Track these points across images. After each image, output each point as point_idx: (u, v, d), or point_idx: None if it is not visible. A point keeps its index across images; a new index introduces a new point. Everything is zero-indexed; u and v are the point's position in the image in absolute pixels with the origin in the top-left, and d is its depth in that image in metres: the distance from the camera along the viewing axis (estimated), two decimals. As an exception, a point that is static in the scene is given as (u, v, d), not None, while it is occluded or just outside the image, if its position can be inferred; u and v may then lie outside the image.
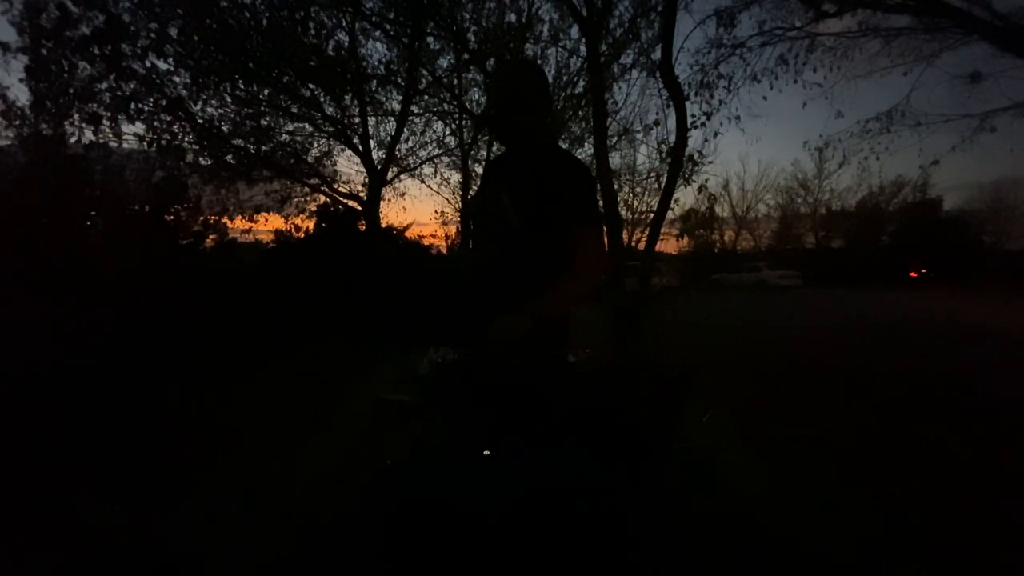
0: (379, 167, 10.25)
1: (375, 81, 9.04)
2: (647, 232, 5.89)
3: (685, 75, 9.15)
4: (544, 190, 1.37)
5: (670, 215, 6.94)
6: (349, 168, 37.02)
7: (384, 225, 9.64)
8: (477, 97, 9.99)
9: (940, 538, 2.01)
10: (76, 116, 6.74)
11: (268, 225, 10.42)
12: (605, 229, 1.59)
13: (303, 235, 8.34)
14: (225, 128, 8.54)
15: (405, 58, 8.42)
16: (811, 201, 33.41)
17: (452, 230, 13.94)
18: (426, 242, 10.43)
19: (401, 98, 9.59)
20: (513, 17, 7.92)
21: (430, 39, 8.34)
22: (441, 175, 12.61)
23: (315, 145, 10.32)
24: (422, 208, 65.35)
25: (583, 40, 6.35)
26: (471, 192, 11.59)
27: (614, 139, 9.79)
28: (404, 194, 15.48)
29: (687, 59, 29.22)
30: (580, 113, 8.94)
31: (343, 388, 3.73)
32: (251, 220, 10.12)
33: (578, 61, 8.08)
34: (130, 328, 4.46)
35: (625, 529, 1.23)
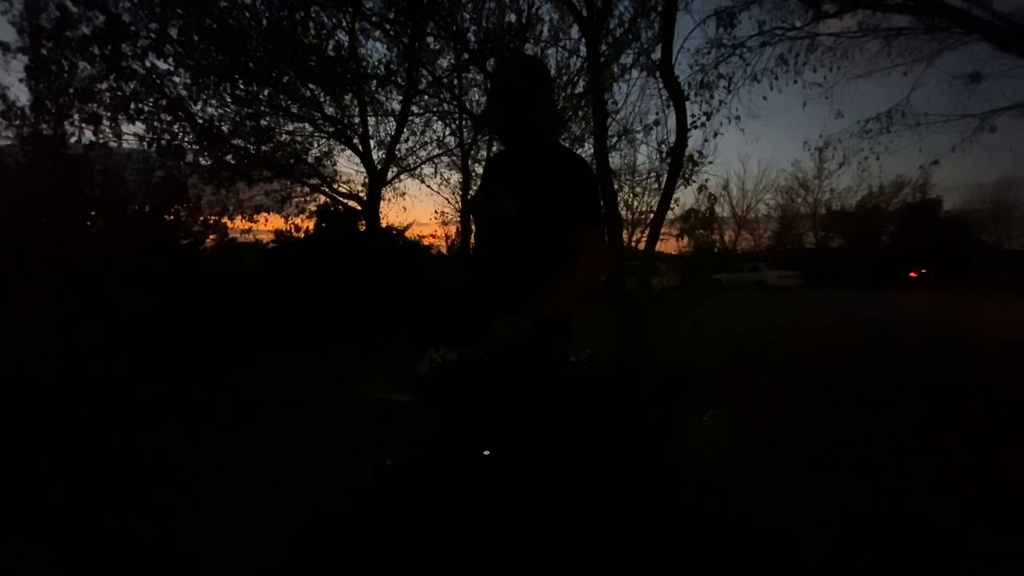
0: (379, 167, 10.25)
1: (375, 81, 9.04)
2: (647, 232, 5.88)
3: (685, 75, 9.17)
4: (546, 189, 1.36)
5: (670, 215, 6.93)
6: (349, 168, 37.02)
7: (384, 225, 9.65)
8: (477, 97, 10.00)
9: (940, 538, 2.01)
10: (76, 116, 6.74)
11: (268, 225, 10.44)
12: (607, 229, 1.58)
13: (303, 235, 8.34)
14: (225, 128, 8.54)
15: (405, 58, 8.41)
16: (811, 201, 33.43)
17: (452, 230, 13.96)
18: (426, 242, 10.46)
19: (401, 98, 9.60)
20: (513, 17, 7.92)
21: (430, 39, 8.33)
22: (441, 175, 12.63)
23: (315, 145, 10.34)
24: (422, 208, 65.38)
25: (583, 40, 6.34)
26: (471, 192, 11.59)
27: (614, 139, 9.80)
28: (404, 194, 15.48)
29: (687, 59, 29.22)
30: (580, 113, 8.95)
31: (343, 388, 3.73)
32: (251, 220, 10.13)
33: (578, 61, 8.09)
34: (130, 327, 4.45)
35: (625, 529, 1.23)
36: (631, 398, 1.35)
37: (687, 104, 5.72)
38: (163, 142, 7.65)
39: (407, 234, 9.20)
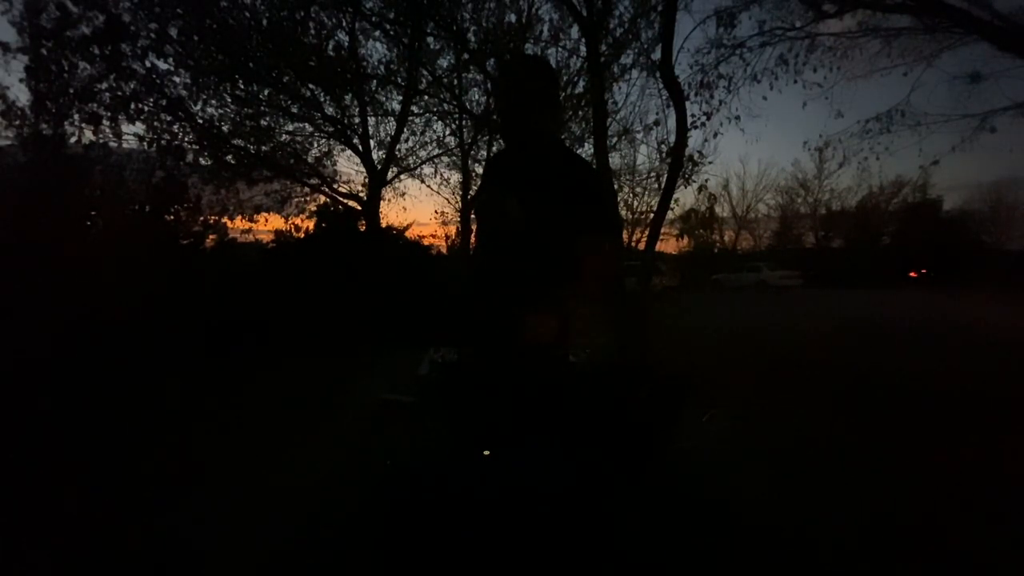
0: (379, 167, 10.25)
1: (375, 81, 9.04)
2: (647, 232, 5.88)
3: (685, 75, 9.16)
4: (552, 192, 1.36)
5: (670, 215, 6.93)
6: (349, 168, 37.03)
7: (384, 225, 9.65)
8: (477, 97, 10.00)
9: (940, 538, 2.01)
10: (76, 116, 6.74)
11: (268, 225, 10.43)
12: (612, 235, 1.58)
13: (303, 235, 8.34)
14: (225, 128, 8.54)
15: (405, 58, 8.42)
16: (811, 201, 33.44)
17: (452, 230, 13.95)
18: (426, 242, 10.45)
19: (401, 98, 9.60)
20: (513, 17, 7.92)
21: (430, 39, 8.33)
22: (441, 175, 12.63)
23: (315, 145, 10.34)
24: (422, 208, 65.32)
25: (583, 40, 6.34)
26: (471, 192, 11.59)
27: (614, 139, 9.80)
28: (404, 194, 15.49)
29: (687, 59, 29.24)
30: (580, 113, 8.95)
31: (343, 388, 3.73)
32: (251, 220, 10.13)
33: (578, 61, 8.08)
34: (130, 328, 4.46)
35: (625, 527, 1.23)
36: (631, 399, 1.35)
37: (687, 104, 5.72)
38: (163, 142, 7.66)
39: (407, 234, 9.20)
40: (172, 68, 7.19)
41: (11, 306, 4.05)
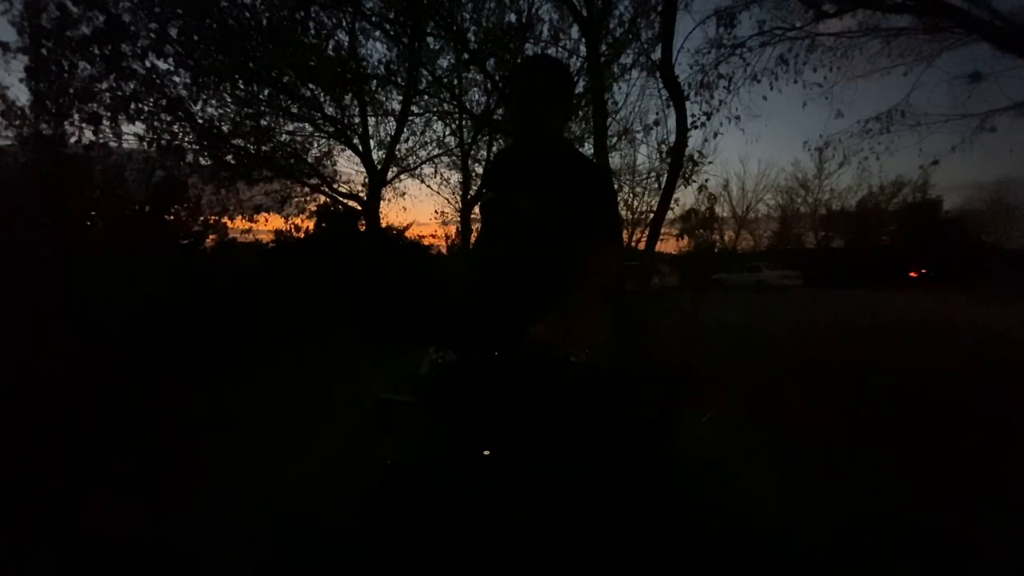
0: (379, 167, 10.24)
1: (375, 81, 9.03)
2: (647, 232, 5.89)
3: (685, 75, 9.19)
4: (561, 193, 1.36)
5: (670, 215, 6.94)
6: (349, 168, 37.01)
7: (384, 225, 9.64)
8: (477, 97, 10.00)
9: (940, 538, 2.01)
10: (76, 116, 6.73)
11: (268, 225, 10.41)
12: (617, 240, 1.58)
13: (303, 235, 8.33)
14: (225, 128, 8.53)
15: (405, 58, 8.41)
16: (811, 201, 33.43)
17: (452, 230, 13.92)
18: (426, 242, 10.42)
19: (401, 98, 9.60)
20: (513, 17, 7.92)
21: (430, 39, 8.33)
22: (441, 175, 12.62)
23: (315, 145, 10.33)
24: (422, 208, 65.32)
25: (583, 40, 6.35)
26: (471, 192, 11.58)
27: (614, 139, 9.80)
28: (404, 194, 15.46)
29: (687, 59, 29.23)
30: (580, 113, 8.94)
31: (343, 388, 3.73)
32: (251, 220, 10.10)
33: (578, 61, 8.08)
34: (130, 328, 4.45)
35: (625, 529, 1.23)
36: (631, 399, 1.35)
37: (687, 104, 5.73)
38: (163, 142, 7.65)
39: (407, 234, 9.19)
40: (172, 68, 7.18)
41: (11, 306, 4.05)
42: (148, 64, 7.00)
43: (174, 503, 2.22)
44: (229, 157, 8.84)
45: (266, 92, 8.37)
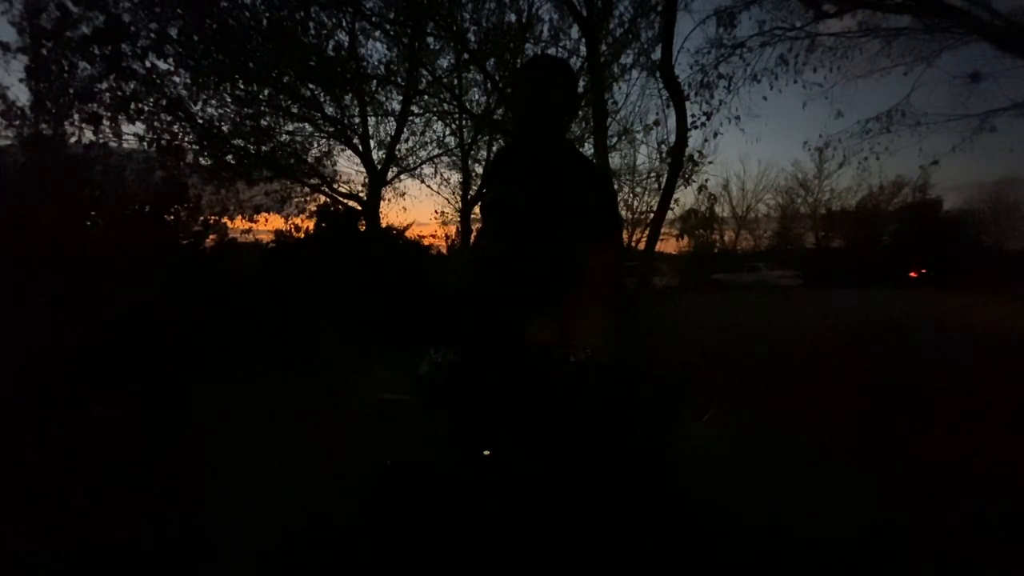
0: (379, 167, 10.24)
1: (375, 81, 9.03)
2: (647, 232, 5.89)
3: (685, 75, 9.15)
4: (562, 194, 1.36)
5: (670, 215, 6.94)
6: (349, 168, 36.96)
7: (384, 225, 9.65)
8: (477, 97, 9.99)
9: (940, 538, 2.01)
10: (76, 116, 6.73)
11: (268, 225, 10.41)
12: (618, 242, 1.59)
13: (303, 235, 8.34)
14: (225, 128, 8.53)
15: (405, 58, 8.41)
16: (811, 201, 33.42)
17: (452, 230, 13.92)
18: (426, 242, 10.42)
19: (401, 98, 9.59)
20: (513, 17, 7.92)
21: (430, 39, 8.33)
22: (441, 175, 12.60)
23: (315, 145, 10.31)
24: (422, 208, 65.38)
25: (583, 40, 6.35)
26: (471, 192, 11.58)
27: (614, 139, 9.79)
28: (404, 194, 15.44)
29: (687, 59, 29.19)
30: (580, 113, 8.94)
31: (344, 388, 3.72)
32: (251, 220, 10.11)
33: (578, 61, 8.08)
34: (130, 328, 4.45)
35: (625, 529, 1.23)
36: (631, 399, 1.35)
37: (687, 104, 5.73)
38: (163, 142, 7.65)
39: (407, 234, 9.20)
40: (172, 68, 7.18)
41: (11, 306, 4.05)
42: (148, 64, 7.00)
43: (173, 503, 2.22)
44: (229, 157, 8.84)
45: (266, 92, 8.37)
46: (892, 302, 14.65)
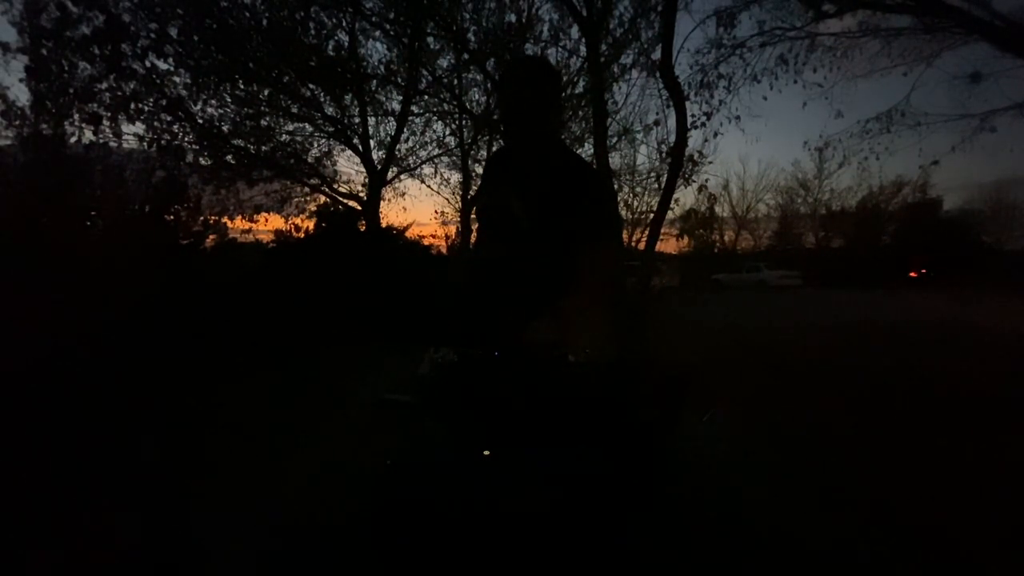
0: (379, 167, 10.25)
1: (375, 81, 9.04)
2: (647, 232, 5.89)
3: (685, 75, 9.17)
4: (556, 197, 1.36)
5: (670, 215, 6.95)
6: (349, 168, 36.99)
7: (384, 225, 9.65)
8: (477, 97, 10.01)
9: (940, 538, 2.01)
10: (76, 116, 6.75)
11: (268, 225, 10.43)
12: (615, 243, 1.60)
13: (303, 235, 8.34)
14: (225, 128, 8.54)
15: (405, 58, 8.42)
16: (811, 201, 33.40)
17: (452, 230, 13.94)
18: (426, 242, 10.45)
19: (401, 98, 9.60)
20: (513, 17, 7.93)
21: (430, 39, 8.33)
22: (441, 175, 12.63)
23: (315, 145, 10.34)
24: (422, 208, 65.42)
25: (583, 40, 6.35)
26: (471, 192, 11.59)
27: (614, 139, 9.82)
28: (404, 194, 15.46)
29: (687, 59, 29.22)
30: (580, 113, 8.95)
31: (343, 388, 3.73)
32: (251, 220, 10.12)
33: (578, 61, 8.09)
34: (130, 328, 4.45)
35: (625, 529, 1.23)
36: (631, 398, 1.35)
37: (687, 104, 5.73)
38: (163, 142, 7.66)
39: (407, 234, 9.21)
40: (172, 68, 7.20)
41: (11, 306, 4.05)
42: (148, 64, 7.02)
43: (173, 503, 2.22)
44: (229, 157, 8.85)
45: (266, 92, 8.38)
46: (892, 302, 14.65)
